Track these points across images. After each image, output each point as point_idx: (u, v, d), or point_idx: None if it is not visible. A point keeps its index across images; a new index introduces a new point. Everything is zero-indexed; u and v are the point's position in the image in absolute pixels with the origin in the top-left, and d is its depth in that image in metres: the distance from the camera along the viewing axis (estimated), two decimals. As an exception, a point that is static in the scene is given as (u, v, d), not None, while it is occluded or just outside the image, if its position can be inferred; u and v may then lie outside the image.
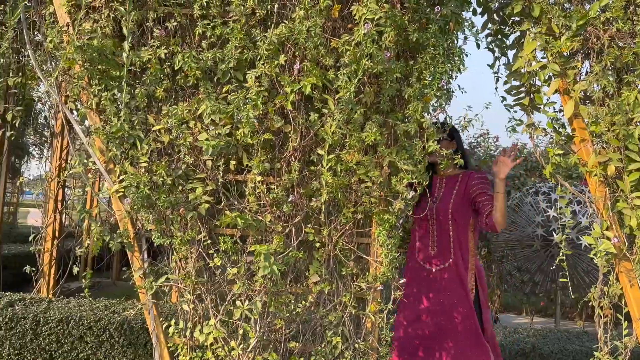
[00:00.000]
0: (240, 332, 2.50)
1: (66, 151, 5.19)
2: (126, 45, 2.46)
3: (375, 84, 2.59)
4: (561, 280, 4.53)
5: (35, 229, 5.37)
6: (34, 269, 5.15)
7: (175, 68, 2.56)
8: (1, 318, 3.98)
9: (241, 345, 2.48)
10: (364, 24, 2.40)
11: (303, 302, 2.56)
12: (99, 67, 2.52)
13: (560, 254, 2.59)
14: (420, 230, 3.12)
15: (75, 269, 3.50)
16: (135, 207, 2.51)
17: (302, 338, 2.61)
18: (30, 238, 5.38)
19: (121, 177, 2.56)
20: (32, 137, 10.29)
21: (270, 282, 2.48)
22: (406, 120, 2.56)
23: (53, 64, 2.79)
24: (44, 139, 10.65)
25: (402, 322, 3.05)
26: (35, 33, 3.21)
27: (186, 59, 2.52)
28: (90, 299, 4.48)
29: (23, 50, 5.34)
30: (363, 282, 2.58)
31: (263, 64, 2.50)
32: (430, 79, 2.48)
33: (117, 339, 3.96)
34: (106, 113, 2.53)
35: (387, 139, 2.58)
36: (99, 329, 3.98)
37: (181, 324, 2.60)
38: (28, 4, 2.73)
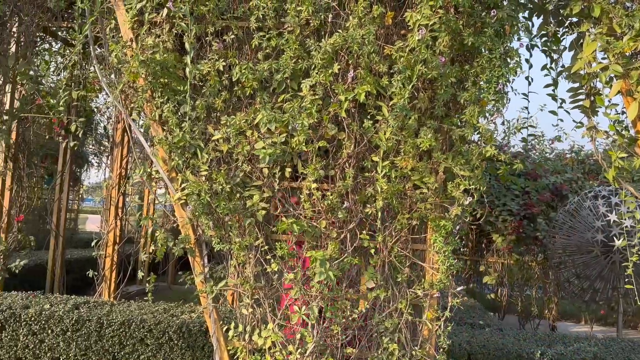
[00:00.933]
0: (298, 336, 2.54)
1: (126, 160, 5.42)
2: (188, 59, 2.56)
3: (430, 89, 2.59)
4: (626, 287, 4.34)
5: (97, 234, 5.63)
6: (95, 273, 5.40)
7: (233, 79, 2.64)
8: (68, 320, 4.18)
9: (299, 350, 2.52)
10: (417, 30, 2.41)
11: (359, 308, 2.58)
12: (161, 80, 2.64)
13: (628, 260, 2.49)
14: None
15: (140, 274, 3.63)
16: (196, 213, 2.60)
17: (358, 344, 2.62)
18: (93, 244, 5.64)
19: (183, 185, 2.66)
20: (91, 146, 10.75)
21: (326, 288, 2.52)
22: (462, 125, 2.55)
23: (116, 78, 2.93)
24: (102, 148, 11.14)
25: None
26: (95, 48, 3.38)
27: (243, 70, 2.59)
28: (150, 302, 4.64)
29: (84, 64, 5.63)
30: (419, 289, 2.58)
31: (317, 73, 2.55)
32: (486, 82, 2.46)
33: (176, 342, 4.09)
34: (169, 124, 2.64)
35: (442, 145, 2.57)
36: (158, 331, 4.12)
37: (240, 328, 2.66)
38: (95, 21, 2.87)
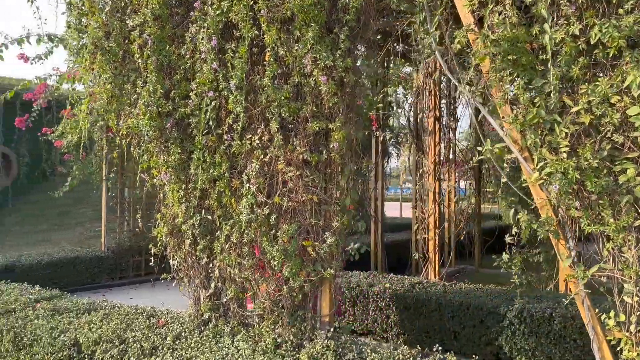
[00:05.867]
0: None
1: (439, 147, 5.58)
2: (547, 26, 2.40)
3: None
4: None
5: (401, 219, 5.96)
6: (420, 255, 5.73)
7: (591, 42, 2.38)
8: (409, 299, 4.51)
9: None
10: None
11: None
12: (509, 57, 2.55)
13: None
14: None
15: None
16: (561, 194, 2.43)
17: None
18: (414, 228, 6.00)
19: (540, 165, 2.52)
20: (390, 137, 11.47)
21: None
22: None
23: (459, 67, 2.96)
24: (399, 139, 11.82)
25: None
26: (436, 39, 3.46)
27: (605, 30, 2.30)
28: (480, 285, 4.67)
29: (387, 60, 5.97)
30: None
31: None
32: None
33: (517, 326, 4.00)
34: (521, 100, 2.53)
35: None
36: (497, 315, 4.09)
37: (622, 317, 2.39)
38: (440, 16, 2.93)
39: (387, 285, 4.79)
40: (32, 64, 7.47)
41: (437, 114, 5.42)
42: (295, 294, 3.18)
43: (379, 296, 4.65)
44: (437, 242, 5.57)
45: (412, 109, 7.10)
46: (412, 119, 7.31)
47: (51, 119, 14.83)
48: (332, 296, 3.22)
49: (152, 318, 3.77)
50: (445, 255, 6.60)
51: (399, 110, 6.93)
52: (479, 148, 2.76)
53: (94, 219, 14.49)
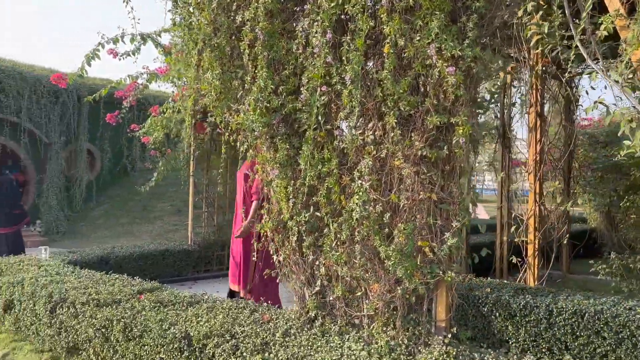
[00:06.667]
0: None
1: (540, 145, 5.27)
2: None
3: None
4: None
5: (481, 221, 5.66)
6: (519, 259, 5.44)
7: None
8: (515, 305, 4.26)
9: None
10: None
11: None
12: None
13: None
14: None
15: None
16: None
17: None
18: (498, 230, 5.72)
19: None
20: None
21: None
22: None
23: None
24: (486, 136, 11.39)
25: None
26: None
27: None
28: (592, 292, 4.35)
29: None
30: None
31: None
32: None
33: (639, 338, 3.68)
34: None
35: None
36: (617, 325, 3.79)
37: None
38: None
39: (487, 290, 4.56)
40: (120, 59, 7.77)
41: (539, 109, 5.11)
42: (408, 296, 3.06)
43: (480, 301, 4.43)
44: (537, 245, 5.25)
45: (501, 104, 6.79)
46: (498, 115, 7.00)
47: (132, 117, 15.50)
48: (450, 300, 3.07)
49: (255, 313, 3.77)
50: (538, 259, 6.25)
51: (491, 105, 6.65)
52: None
53: (172, 214, 15.02)
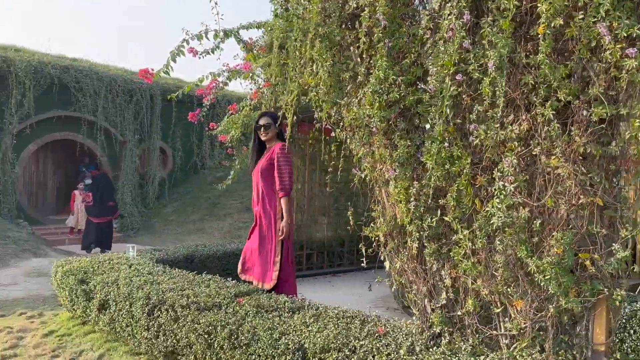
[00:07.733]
0: None
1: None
2: None
3: None
4: None
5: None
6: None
7: None
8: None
9: None
10: None
11: None
12: None
13: None
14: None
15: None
16: None
17: None
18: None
19: None
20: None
21: None
22: None
23: None
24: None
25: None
26: None
27: None
28: None
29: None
30: None
31: None
32: None
33: None
34: None
35: None
36: None
37: None
38: None
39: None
40: (199, 58, 7.67)
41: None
42: (560, 315, 2.66)
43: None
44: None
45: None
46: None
47: (208, 115, 15.66)
48: (611, 321, 2.64)
49: (365, 323, 3.47)
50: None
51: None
52: None
53: (242, 211, 15.04)
